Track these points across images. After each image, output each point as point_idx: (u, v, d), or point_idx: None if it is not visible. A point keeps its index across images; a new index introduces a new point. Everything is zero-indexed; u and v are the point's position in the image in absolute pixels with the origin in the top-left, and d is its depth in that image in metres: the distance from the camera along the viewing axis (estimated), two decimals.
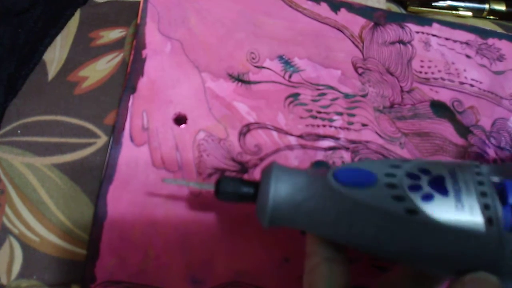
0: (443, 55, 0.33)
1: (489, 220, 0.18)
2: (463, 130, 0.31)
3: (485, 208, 0.18)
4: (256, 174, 0.28)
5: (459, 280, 0.18)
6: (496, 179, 0.19)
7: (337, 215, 0.20)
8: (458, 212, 0.18)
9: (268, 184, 0.21)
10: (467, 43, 0.33)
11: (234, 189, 0.22)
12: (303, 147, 0.29)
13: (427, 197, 0.18)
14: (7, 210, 0.27)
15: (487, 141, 0.32)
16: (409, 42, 0.32)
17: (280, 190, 0.20)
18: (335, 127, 0.30)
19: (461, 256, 0.18)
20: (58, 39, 0.32)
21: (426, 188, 0.19)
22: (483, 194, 0.18)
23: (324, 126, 0.30)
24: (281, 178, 0.21)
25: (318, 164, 0.26)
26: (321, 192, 0.20)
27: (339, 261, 0.21)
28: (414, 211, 0.18)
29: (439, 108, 0.32)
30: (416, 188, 0.19)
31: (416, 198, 0.18)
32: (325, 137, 0.30)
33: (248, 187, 0.22)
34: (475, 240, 0.18)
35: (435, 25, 0.33)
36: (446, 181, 0.19)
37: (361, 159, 0.30)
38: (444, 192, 0.19)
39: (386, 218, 0.19)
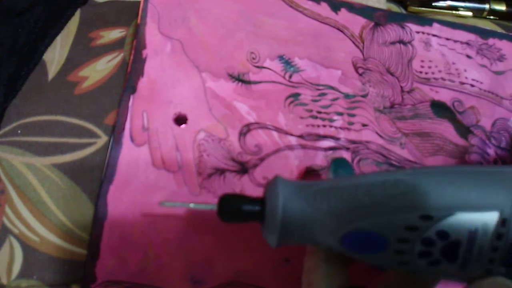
0: (443, 55, 0.33)
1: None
2: (464, 130, 0.31)
3: (486, 272, 0.18)
4: (256, 174, 0.28)
5: (477, 284, 0.18)
6: None
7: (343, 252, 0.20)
8: (458, 273, 0.18)
9: (275, 202, 0.19)
10: (467, 43, 0.33)
11: (237, 208, 0.20)
12: (303, 147, 0.29)
13: (434, 263, 0.18)
14: (7, 210, 0.27)
15: (487, 141, 0.32)
16: (409, 42, 0.32)
17: (288, 209, 0.19)
18: (335, 127, 0.30)
19: None
20: (58, 39, 0.32)
21: (436, 255, 0.18)
22: (490, 261, 0.18)
23: (324, 126, 0.30)
24: (288, 195, 0.19)
25: (338, 164, 0.24)
26: (329, 234, 0.19)
27: (338, 262, 0.21)
28: (414, 271, 0.19)
29: (440, 108, 0.32)
30: (426, 255, 0.18)
31: (422, 263, 0.18)
32: (325, 137, 0.30)
33: (253, 205, 0.20)
34: None
35: (435, 25, 0.33)
36: (460, 248, 0.18)
37: (361, 160, 0.29)
38: (453, 259, 0.18)
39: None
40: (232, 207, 0.20)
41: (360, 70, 0.31)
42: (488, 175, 0.19)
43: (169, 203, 0.23)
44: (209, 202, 0.21)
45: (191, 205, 0.22)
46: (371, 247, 0.19)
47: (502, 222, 0.18)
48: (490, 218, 0.18)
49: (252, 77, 0.30)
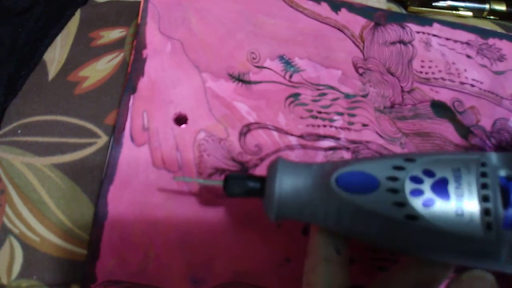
0: (443, 55, 0.33)
1: (488, 225, 0.18)
2: (464, 130, 0.31)
3: (485, 213, 0.18)
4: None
5: (456, 279, 0.19)
6: (503, 172, 0.19)
7: (340, 217, 0.20)
8: (458, 218, 0.18)
9: (273, 180, 0.21)
10: (467, 43, 0.33)
11: (241, 185, 0.22)
12: (303, 147, 0.29)
13: (428, 203, 0.19)
14: (8, 210, 0.27)
15: (487, 141, 0.32)
16: (409, 42, 0.32)
17: (285, 186, 0.21)
18: (336, 127, 0.30)
19: (460, 255, 0.19)
20: (58, 39, 0.32)
21: (428, 193, 0.19)
22: (485, 198, 0.18)
23: (324, 126, 0.30)
24: (286, 173, 0.21)
25: None
26: (324, 195, 0.20)
27: (339, 262, 0.21)
28: (414, 217, 0.19)
29: (440, 108, 0.32)
30: (418, 193, 0.19)
31: (417, 204, 0.19)
32: (325, 137, 0.30)
33: (255, 182, 0.22)
34: (473, 243, 0.18)
35: (435, 25, 0.33)
36: (449, 185, 0.19)
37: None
38: (445, 196, 0.19)
39: (387, 222, 0.19)
40: (236, 183, 0.23)
41: (361, 70, 0.31)
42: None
43: (181, 177, 0.25)
44: (211, 179, 0.23)
45: (201, 181, 0.25)
46: (364, 186, 0.20)
47: (483, 163, 0.19)
48: (470, 158, 0.20)
49: (252, 77, 0.30)
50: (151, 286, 0.26)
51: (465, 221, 0.18)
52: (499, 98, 0.33)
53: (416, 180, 0.19)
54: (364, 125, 0.30)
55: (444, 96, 0.32)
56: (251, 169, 0.28)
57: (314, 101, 0.30)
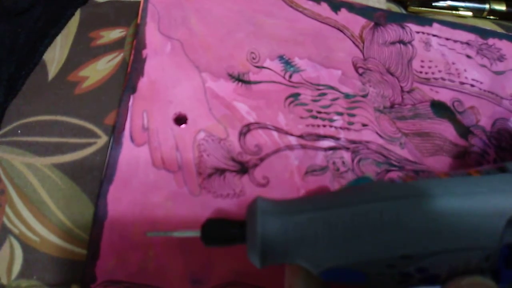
0: (443, 55, 0.33)
1: None
2: (464, 130, 0.31)
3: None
4: (256, 174, 0.28)
5: (454, 283, 0.18)
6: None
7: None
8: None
9: (254, 224, 0.19)
10: (467, 43, 0.33)
11: (220, 233, 0.20)
12: (303, 147, 0.29)
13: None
14: (7, 210, 0.27)
15: (487, 141, 0.32)
16: (409, 42, 0.32)
17: (268, 230, 0.19)
18: (336, 127, 0.30)
19: None
20: (58, 39, 0.32)
21: (415, 282, 0.18)
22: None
23: (324, 126, 0.30)
24: (267, 215, 0.19)
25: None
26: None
27: (319, 280, 0.20)
28: None
29: (440, 108, 0.32)
30: (405, 282, 0.18)
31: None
32: (325, 137, 0.30)
33: (235, 228, 0.20)
34: None
35: (435, 25, 0.33)
36: (440, 278, 0.18)
37: (361, 160, 0.29)
38: (433, 284, 0.18)
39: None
40: (214, 232, 0.20)
41: (360, 70, 0.31)
42: (467, 205, 0.18)
43: (154, 233, 0.22)
44: (192, 229, 0.21)
45: (176, 233, 0.21)
46: (351, 279, 0.19)
47: (486, 258, 0.18)
48: (473, 255, 0.18)
49: (252, 77, 0.30)
50: (151, 286, 0.26)
51: None
52: (499, 98, 0.33)
53: (406, 275, 0.18)
54: (364, 125, 0.30)
55: (444, 96, 0.32)
56: (250, 169, 0.28)
57: (314, 101, 0.30)
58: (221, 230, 0.20)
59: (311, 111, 0.30)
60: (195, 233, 0.20)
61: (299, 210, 0.19)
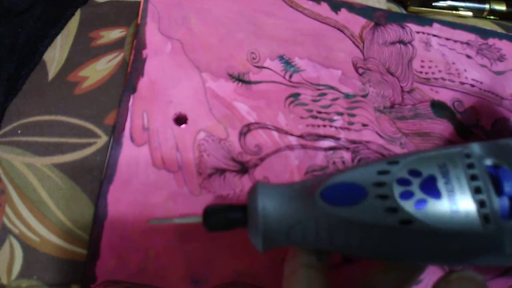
0: (443, 55, 0.33)
1: (485, 218, 0.17)
2: (464, 130, 0.31)
3: (480, 206, 0.17)
4: (256, 174, 0.28)
5: (444, 279, 0.18)
6: (489, 161, 0.19)
7: (332, 234, 0.19)
8: (454, 215, 0.18)
9: (255, 206, 0.20)
10: (467, 43, 0.33)
11: (222, 218, 0.21)
12: (303, 147, 0.29)
13: (421, 204, 0.18)
14: (7, 210, 0.27)
15: None
16: (409, 42, 0.32)
17: (268, 211, 0.19)
18: (336, 127, 0.30)
19: (462, 253, 0.18)
20: (58, 39, 0.32)
21: (419, 194, 0.18)
22: (477, 190, 0.18)
23: (324, 126, 0.30)
24: (268, 197, 0.20)
25: None
26: (311, 214, 0.19)
27: (318, 268, 0.20)
28: (409, 221, 0.18)
29: (440, 108, 0.32)
30: (408, 195, 0.18)
31: (409, 207, 0.18)
32: (325, 137, 0.30)
33: (236, 212, 0.21)
34: (473, 238, 0.18)
35: (435, 25, 0.33)
36: (438, 182, 0.18)
37: (361, 159, 0.29)
38: (437, 195, 0.18)
39: (382, 231, 0.18)
40: (216, 216, 0.21)
41: (360, 70, 0.31)
42: None
43: (156, 220, 0.23)
44: (194, 214, 0.21)
45: (178, 220, 0.22)
46: (352, 197, 0.19)
47: (467, 155, 0.19)
48: (454, 152, 0.19)
49: (252, 77, 0.30)
50: (151, 286, 0.26)
51: (461, 217, 0.17)
52: (499, 98, 0.33)
53: (404, 182, 0.18)
54: (364, 125, 0.30)
55: (444, 96, 0.32)
56: (251, 169, 0.28)
57: (314, 101, 0.30)
58: (222, 215, 0.21)
59: (311, 111, 0.30)
60: (197, 219, 0.21)
61: (298, 194, 0.20)
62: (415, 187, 0.18)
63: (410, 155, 0.19)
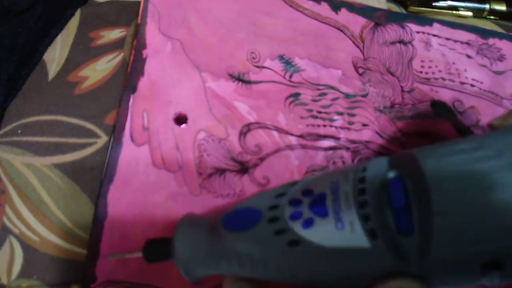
0: (443, 55, 0.33)
1: (371, 233, 0.16)
2: (464, 130, 0.31)
3: (365, 220, 0.16)
4: (256, 174, 0.28)
5: (382, 284, 0.17)
6: (391, 174, 0.18)
7: (239, 260, 0.19)
8: (339, 232, 0.17)
9: (173, 241, 0.21)
10: (467, 43, 0.33)
11: (157, 252, 0.22)
12: (303, 147, 0.29)
13: (308, 223, 0.17)
14: (7, 210, 0.27)
15: None
16: (409, 42, 0.32)
17: (185, 245, 0.20)
18: (336, 127, 0.30)
19: (358, 274, 0.17)
20: (58, 39, 0.32)
21: (307, 213, 0.18)
22: (362, 204, 0.17)
23: (324, 126, 0.30)
24: (185, 232, 0.21)
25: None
26: (218, 243, 0.20)
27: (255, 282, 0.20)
28: (296, 242, 0.17)
29: (440, 108, 0.32)
30: (297, 215, 0.18)
31: (297, 227, 0.17)
32: (325, 137, 0.30)
33: (165, 247, 0.21)
34: (363, 257, 0.16)
35: (435, 25, 0.33)
36: (326, 200, 0.18)
37: (361, 159, 0.29)
38: (323, 213, 0.17)
39: (274, 254, 0.18)
40: (151, 251, 0.22)
41: (360, 70, 0.31)
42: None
43: (111, 256, 0.24)
44: (135, 252, 0.23)
45: (127, 255, 0.23)
46: (248, 222, 0.19)
47: (362, 169, 0.18)
48: (351, 168, 0.18)
49: (252, 77, 0.30)
50: (151, 286, 0.26)
51: (347, 233, 0.16)
52: (499, 98, 0.33)
53: (295, 202, 0.18)
54: (364, 125, 0.30)
55: (444, 96, 0.32)
56: (251, 169, 0.28)
57: (314, 101, 0.30)
58: (156, 249, 0.22)
59: (311, 111, 0.30)
60: (138, 254, 0.22)
61: (209, 225, 0.21)
62: (304, 206, 0.18)
63: (313, 177, 0.19)
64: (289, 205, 0.18)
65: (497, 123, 0.20)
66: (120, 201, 0.26)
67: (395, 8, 0.37)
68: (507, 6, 0.38)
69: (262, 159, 0.28)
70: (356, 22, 0.32)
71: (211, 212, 0.23)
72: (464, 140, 0.17)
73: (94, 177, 0.27)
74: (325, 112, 0.30)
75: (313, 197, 0.18)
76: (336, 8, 0.32)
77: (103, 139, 0.28)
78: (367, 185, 0.17)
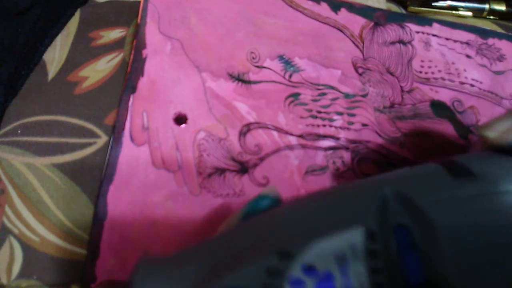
0: (443, 55, 0.33)
1: None
2: (464, 130, 0.31)
3: None
4: (256, 174, 0.28)
5: None
6: (402, 217, 0.16)
7: None
8: None
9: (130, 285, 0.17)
10: (467, 43, 0.33)
11: None
12: (303, 146, 0.29)
13: None
14: (7, 210, 0.27)
15: None
16: (409, 42, 0.32)
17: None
18: (335, 127, 0.30)
19: None
20: (58, 39, 0.32)
21: None
22: (377, 286, 0.15)
23: (324, 126, 0.30)
24: (141, 276, 0.17)
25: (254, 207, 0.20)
26: None
27: None
28: None
29: (440, 108, 0.32)
30: None
31: None
32: (325, 137, 0.30)
33: None
34: None
35: (435, 25, 0.33)
36: (335, 281, 0.15)
37: (361, 159, 0.29)
38: None
39: None
40: None
41: (360, 70, 0.31)
42: (343, 191, 0.17)
43: None
44: None
45: None
46: None
47: (371, 236, 0.15)
48: (356, 236, 0.15)
49: (252, 77, 0.30)
50: None
51: None
52: (498, 98, 0.33)
53: (297, 284, 0.15)
54: (364, 124, 0.30)
55: (444, 96, 0.32)
56: (250, 169, 0.28)
57: (314, 100, 0.30)
58: None
59: (311, 110, 0.30)
60: None
61: (174, 259, 0.18)
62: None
63: (305, 240, 0.16)
64: (289, 285, 0.15)
65: (493, 135, 0.18)
66: (120, 201, 0.26)
67: (394, 8, 0.37)
68: (507, 6, 0.38)
69: (262, 159, 0.28)
70: (355, 22, 0.32)
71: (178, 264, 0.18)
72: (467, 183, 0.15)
73: (94, 177, 0.27)
74: (325, 112, 0.30)
75: (318, 277, 0.15)
76: (335, 8, 0.32)
77: (103, 139, 0.28)
78: (380, 263, 0.15)
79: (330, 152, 0.29)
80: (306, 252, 0.15)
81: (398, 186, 0.17)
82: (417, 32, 0.33)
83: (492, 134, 0.18)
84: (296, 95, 0.30)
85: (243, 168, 0.28)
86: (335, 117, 0.30)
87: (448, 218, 0.15)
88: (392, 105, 0.31)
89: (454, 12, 0.37)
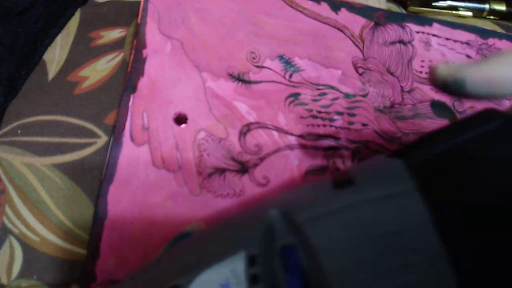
0: (443, 55, 0.33)
1: None
2: None
3: None
4: (256, 174, 0.28)
5: None
6: (287, 239, 0.15)
7: None
8: None
9: None
10: (467, 43, 0.33)
11: None
12: (303, 146, 0.29)
13: None
14: (7, 210, 0.27)
15: None
16: (409, 42, 0.32)
17: None
18: (336, 127, 0.30)
19: None
20: (58, 39, 0.32)
21: None
22: None
23: (324, 126, 0.30)
24: None
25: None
26: None
27: None
28: None
29: (440, 108, 0.32)
30: None
31: None
32: (325, 136, 0.30)
33: None
34: None
35: (435, 25, 0.33)
36: None
37: (361, 159, 0.30)
38: None
39: None
40: None
41: (360, 70, 0.31)
42: (234, 219, 0.17)
43: None
44: None
45: None
46: None
47: (252, 260, 0.15)
48: (237, 262, 0.15)
49: (252, 76, 0.30)
50: None
51: None
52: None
53: None
54: (364, 124, 0.30)
55: (444, 96, 0.32)
56: (251, 169, 0.28)
57: (314, 100, 0.30)
58: None
59: (311, 110, 0.30)
60: None
61: None
62: None
63: (194, 272, 0.16)
64: None
65: (443, 72, 0.17)
66: (120, 201, 0.26)
67: (395, 8, 0.37)
68: (507, 6, 0.38)
69: (262, 159, 0.28)
70: (356, 22, 0.32)
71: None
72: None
73: (94, 177, 0.27)
74: (325, 112, 0.30)
75: None
76: (336, 8, 0.32)
77: (103, 139, 0.28)
78: (258, 271, 0.15)
79: (330, 152, 0.29)
80: (193, 284, 0.15)
81: (285, 206, 0.17)
82: (417, 32, 0.33)
83: (443, 70, 0.18)
84: (296, 95, 0.30)
85: (243, 168, 0.28)
86: (335, 117, 0.30)
87: (324, 233, 0.15)
88: (392, 105, 0.31)
89: (454, 12, 0.37)
